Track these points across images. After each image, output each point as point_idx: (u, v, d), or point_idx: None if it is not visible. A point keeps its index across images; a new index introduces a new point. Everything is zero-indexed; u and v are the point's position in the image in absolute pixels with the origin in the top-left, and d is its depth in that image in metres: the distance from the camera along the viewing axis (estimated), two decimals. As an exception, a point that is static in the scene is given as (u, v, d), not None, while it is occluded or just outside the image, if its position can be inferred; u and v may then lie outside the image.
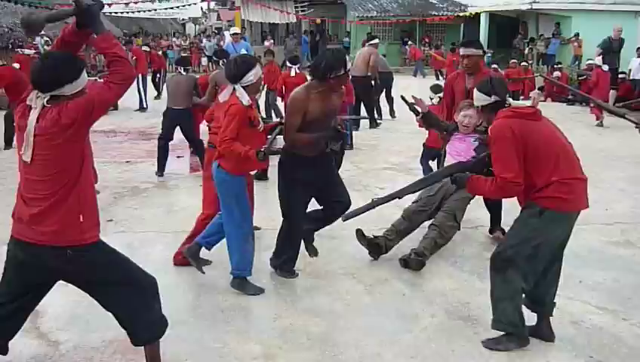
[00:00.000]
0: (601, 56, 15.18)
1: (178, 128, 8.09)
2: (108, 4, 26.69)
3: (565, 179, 3.58)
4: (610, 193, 7.43)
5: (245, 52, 13.59)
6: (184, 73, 8.52)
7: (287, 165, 4.70)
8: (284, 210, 4.87)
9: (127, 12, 28.68)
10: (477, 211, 6.07)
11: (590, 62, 15.95)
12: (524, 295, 3.82)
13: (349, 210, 4.58)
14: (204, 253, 4.91)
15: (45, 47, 25.32)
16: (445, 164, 5.76)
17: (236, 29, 14.99)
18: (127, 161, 9.21)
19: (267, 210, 6.01)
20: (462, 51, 6.00)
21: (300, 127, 4.46)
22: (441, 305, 4.48)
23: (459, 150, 5.62)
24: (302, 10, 28.97)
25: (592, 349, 3.85)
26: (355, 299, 4.57)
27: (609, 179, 8.03)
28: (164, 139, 8.19)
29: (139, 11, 28.22)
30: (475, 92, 3.89)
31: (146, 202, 7.06)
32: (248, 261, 4.61)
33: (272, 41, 27.66)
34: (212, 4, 39.68)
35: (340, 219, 4.50)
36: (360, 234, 5.28)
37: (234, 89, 4.34)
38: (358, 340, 3.97)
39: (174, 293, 4.48)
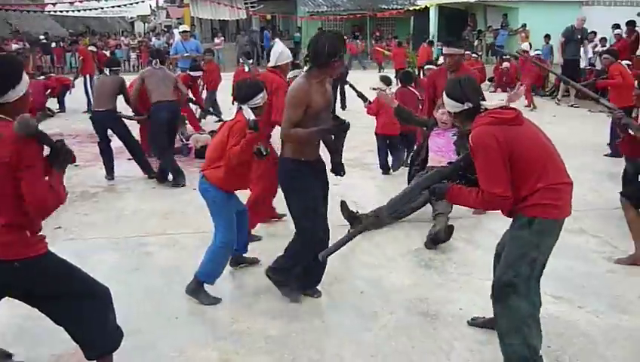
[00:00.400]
0: (561, 45, 15.42)
1: None
2: (52, 4, 26.09)
3: (553, 184, 3.28)
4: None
5: (195, 50, 13.41)
6: (109, 75, 8.12)
7: (296, 173, 4.26)
8: (305, 225, 4.31)
9: (73, 11, 28.01)
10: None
11: (538, 52, 16.25)
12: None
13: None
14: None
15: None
16: (429, 159, 6.14)
17: (185, 27, 14.76)
18: (76, 165, 8.88)
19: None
20: (445, 50, 6.29)
21: (297, 123, 4.11)
22: (399, 301, 4.45)
23: (439, 145, 5.96)
24: (252, 7, 28.76)
25: (548, 339, 3.86)
26: (313, 299, 4.50)
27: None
28: (103, 142, 8.03)
29: (84, 10, 27.56)
30: (445, 97, 3.49)
31: (96, 207, 6.87)
32: (218, 273, 4.51)
33: (222, 38, 27.50)
34: (161, 2, 39.19)
35: (319, 256, 3.76)
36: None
37: (240, 108, 4.41)
38: (317, 341, 3.92)
39: (128, 301, 4.33)
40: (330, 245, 3.93)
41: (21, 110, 2.95)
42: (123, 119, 7.98)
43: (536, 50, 17.04)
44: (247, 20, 31.01)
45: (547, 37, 19.92)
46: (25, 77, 2.97)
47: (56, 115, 14.27)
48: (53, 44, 26.24)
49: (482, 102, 3.37)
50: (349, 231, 3.90)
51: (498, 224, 5.91)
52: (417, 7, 26.77)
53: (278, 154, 4.42)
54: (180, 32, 14.39)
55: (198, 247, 5.45)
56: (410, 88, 8.60)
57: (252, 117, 4.30)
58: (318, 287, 4.58)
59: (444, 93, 3.51)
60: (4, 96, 2.86)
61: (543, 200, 3.25)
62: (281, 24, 32.37)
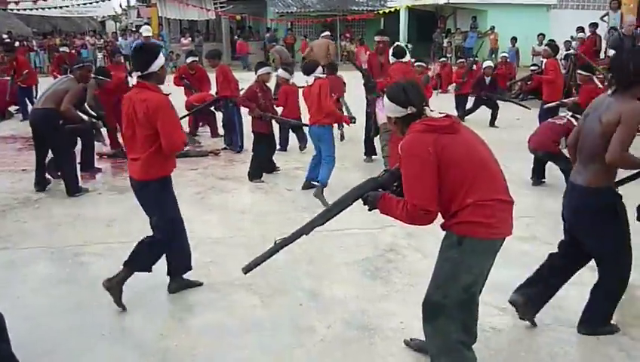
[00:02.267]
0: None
1: None
2: (15, 2, 25.54)
3: (484, 200, 3.02)
4: (516, 186, 7.42)
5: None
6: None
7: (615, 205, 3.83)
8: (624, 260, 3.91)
9: (37, 9, 27.46)
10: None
11: (504, 54, 16.26)
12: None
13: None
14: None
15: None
16: (378, 119, 7.96)
17: (147, 30, 14.29)
18: (24, 170, 8.62)
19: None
20: (377, 38, 8.94)
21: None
22: (339, 314, 4.27)
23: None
24: (221, 7, 28.45)
25: (490, 354, 3.73)
26: (249, 312, 4.30)
27: (516, 172, 8.04)
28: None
29: (49, 8, 27.04)
30: (387, 101, 3.24)
31: (36, 214, 6.58)
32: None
33: (190, 38, 27.15)
34: (132, 1, 38.66)
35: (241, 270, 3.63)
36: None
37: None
38: (249, 359, 3.72)
39: (51, 317, 4.13)
40: None
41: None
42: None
43: (503, 52, 17.06)
44: (216, 21, 30.70)
45: (514, 39, 19.98)
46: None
47: (14, 117, 13.83)
48: (17, 44, 25.65)
49: (425, 109, 3.15)
50: (275, 241, 3.64)
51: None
52: (388, 10, 26.72)
53: None
54: (143, 37, 13.99)
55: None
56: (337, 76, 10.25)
57: None
58: (259, 300, 4.41)
59: (386, 95, 3.26)
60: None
61: (472, 218, 3.02)
62: (251, 25, 32.08)
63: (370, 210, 3.30)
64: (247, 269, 3.57)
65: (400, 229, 5.85)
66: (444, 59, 19.16)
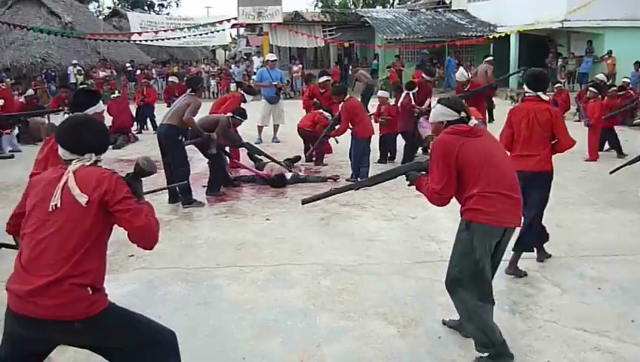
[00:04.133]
0: None
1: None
2: (138, 33, 27.01)
3: (487, 192, 3.69)
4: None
5: (279, 80, 13.44)
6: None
7: None
8: None
9: (157, 40, 28.92)
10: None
11: (626, 79, 15.52)
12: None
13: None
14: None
15: (77, 75, 25.74)
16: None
17: (272, 56, 14.67)
18: (152, 191, 8.97)
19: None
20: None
21: None
22: (480, 349, 4.12)
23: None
24: (330, 35, 28.89)
25: None
26: (386, 342, 4.22)
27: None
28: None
29: (168, 39, 28.41)
30: (444, 108, 3.95)
31: (169, 236, 6.81)
32: None
33: (300, 65, 27.72)
34: (241, 31, 40.05)
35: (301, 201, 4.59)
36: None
37: None
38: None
39: (194, 340, 4.21)
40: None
41: None
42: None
43: (625, 77, 16.27)
44: (325, 48, 31.22)
45: (638, 64, 19.03)
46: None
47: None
48: (138, 72, 27.11)
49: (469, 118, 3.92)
50: (331, 188, 4.53)
51: (584, 266, 5.56)
52: (498, 35, 26.19)
53: None
54: (265, 61, 14.41)
55: (269, 281, 5.33)
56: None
57: None
58: (395, 330, 4.34)
59: (442, 104, 3.99)
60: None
61: (476, 206, 3.71)
62: (358, 52, 32.35)
63: (409, 185, 4.12)
64: (305, 202, 4.49)
65: (532, 261, 5.63)
66: (559, 85, 18.50)
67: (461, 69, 13.74)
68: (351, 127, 9.30)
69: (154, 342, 2.98)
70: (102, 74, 25.40)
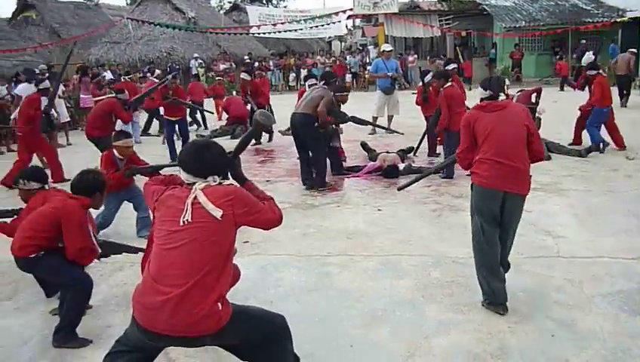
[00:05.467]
0: None
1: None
2: (257, 26, 27.72)
3: (484, 158, 4.40)
4: None
5: (395, 70, 13.36)
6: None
7: None
8: None
9: (275, 32, 29.54)
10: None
11: None
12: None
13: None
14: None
15: (199, 68, 26.82)
16: None
17: (388, 46, 14.59)
18: (267, 181, 9.27)
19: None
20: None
21: None
22: (596, 349, 3.94)
23: None
24: (446, 24, 28.37)
25: None
26: (496, 338, 4.13)
27: None
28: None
29: (286, 31, 28.94)
30: (479, 87, 4.75)
31: (283, 223, 6.97)
32: None
33: (415, 55, 27.44)
34: (357, 21, 40.12)
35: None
36: None
37: None
38: (500, 386, 3.58)
39: (304, 323, 4.30)
40: None
41: None
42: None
43: None
44: (441, 38, 30.69)
45: None
46: None
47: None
48: (256, 64, 27.88)
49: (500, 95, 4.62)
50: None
51: None
52: (626, 19, 24.68)
53: None
54: (381, 51, 14.35)
55: (378, 271, 5.36)
56: None
57: None
58: (506, 325, 4.25)
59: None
60: None
61: (475, 169, 4.48)
62: (475, 41, 31.56)
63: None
64: (401, 188, 5.87)
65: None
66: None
67: (589, 54, 13.19)
68: None
69: (271, 331, 3.12)
70: (222, 66, 26.32)
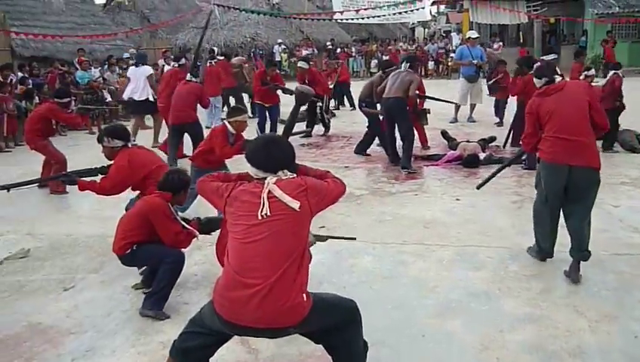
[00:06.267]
0: None
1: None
2: (340, 12, 27.70)
3: (547, 136, 4.81)
4: None
5: (480, 58, 13.06)
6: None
7: None
8: None
9: (358, 18, 29.44)
10: None
11: None
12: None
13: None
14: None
15: (282, 53, 27.09)
16: None
17: (474, 33, 14.27)
18: (346, 167, 9.29)
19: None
20: None
21: None
22: (684, 353, 3.76)
23: None
24: (534, 10, 27.46)
25: None
26: (574, 336, 4.00)
27: None
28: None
29: (369, 17, 28.79)
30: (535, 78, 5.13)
31: (358, 210, 7.00)
32: None
33: (500, 43, 26.72)
34: (442, 7, 39.46)
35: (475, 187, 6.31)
36: None
37: None
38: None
39: (377, 310, 4.31)
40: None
41: None
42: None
43: None
44: (528, 25, 29.74)
45: None
46: None
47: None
48: (338, 50, 27.89)
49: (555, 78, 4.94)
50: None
51: None
52: None
53: None
54: (466, 38, 14.05)
55: (454, 261, 5.30)
56: None
57: None
58: (586, 324, 4.13)
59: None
60: None
61: (541, 146, 4.91)
62: (565, 27, 30.41)
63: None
64: (480, 186, 6.10)
65: None
66: None
67: None
68: None
69: (346, 316, 3.15)
70: (304, 52, 26.46)
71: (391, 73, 9.25)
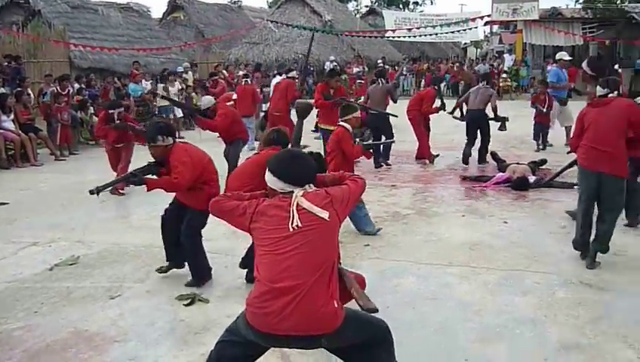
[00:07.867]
0: None
1: None
2: (392, 30, 27.78)
3: (583, 143, 5.52)
4: None
5: (555, 77, 12.48)
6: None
7: None
8: None
9: (410, 37, 29.46)
10: None
11: None
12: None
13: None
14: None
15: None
16: None
17: (565, 54, 13.43)
18: (393, 185, 9.27)
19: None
20: None
21: None
22: None
23: None
24: (590, 32, 26.98)
25: None
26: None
27: None
28: None
29: (421, 35, 28.79)
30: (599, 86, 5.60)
31: (404, 229, 6.97)
32: None
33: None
34: (495, 28, 39.16)
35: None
36: None
37: None
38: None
39: (421, 334, 4.28)
40: None
41: None
42: None
43: None
44: (583, 47, 29.22)
45: None
46: None
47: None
48: (388, 68, 27.88)
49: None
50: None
51: None
52: None
53: None
54: (558, 60, 13.15)
55: (500, 285, 5.22)
56: None
57: None
58: (635, 355, 3.99)
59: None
60: None
61: (578, 153, 5.67)
62: (621, 50, 29.76)
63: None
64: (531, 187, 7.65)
65: None
66: None
67: None
68: None
69: (377, 334, 3.14)
70: (355, 70, 26.52)
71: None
